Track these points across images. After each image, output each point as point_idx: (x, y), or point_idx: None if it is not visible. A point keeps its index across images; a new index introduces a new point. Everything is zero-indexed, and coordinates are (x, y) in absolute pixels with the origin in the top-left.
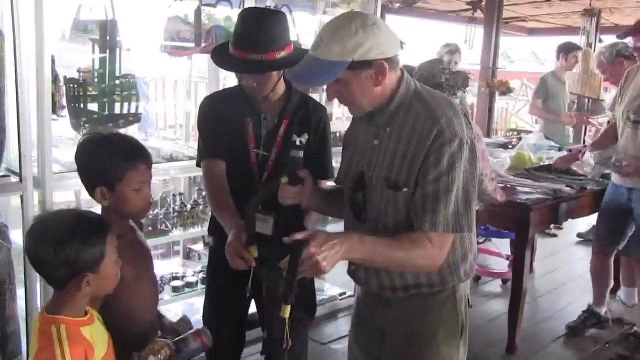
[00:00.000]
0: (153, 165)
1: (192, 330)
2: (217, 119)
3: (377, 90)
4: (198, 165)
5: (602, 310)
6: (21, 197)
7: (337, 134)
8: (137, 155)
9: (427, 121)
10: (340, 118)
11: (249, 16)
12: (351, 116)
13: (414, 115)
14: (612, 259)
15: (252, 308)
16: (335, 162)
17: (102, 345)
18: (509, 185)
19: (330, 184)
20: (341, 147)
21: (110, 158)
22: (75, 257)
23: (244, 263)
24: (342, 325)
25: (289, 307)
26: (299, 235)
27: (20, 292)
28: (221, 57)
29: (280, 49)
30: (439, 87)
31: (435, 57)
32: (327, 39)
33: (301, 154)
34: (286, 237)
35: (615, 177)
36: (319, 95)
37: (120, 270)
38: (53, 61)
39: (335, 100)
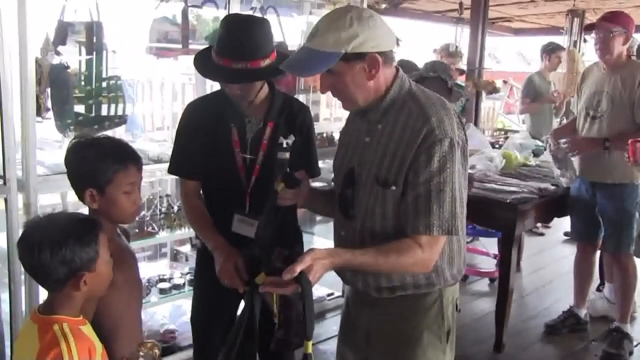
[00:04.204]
0: None
1: None
2: (198, 129)
3: (371, 85)
4: (170, 172)
5: (582, 313)
6: (5, 200)
7: (324, 135)
8: (127, 157)
9: (418, 120)
10: (328, 119)
11: (233, 24)
12: (339, 117)
13: (406, 113)
14: (594, 256)
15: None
16: (322, 163)
17: (99, 344)
18: (496, 185)
19: (317, 183)
20: (328, 148)
21: (101, 160)
22: (72, 257)
23: (241, 285)
24: (330, 326)
25: (310, 343)
26: (298, 267)
27: (4, 296)
28: (205, 65)
29: (264, 57)
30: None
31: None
32: (322, 29)
33: (287, 155)
34: (278, 247)
35: (577, 172)
36: (305, 97)
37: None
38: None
39: (324, 101)
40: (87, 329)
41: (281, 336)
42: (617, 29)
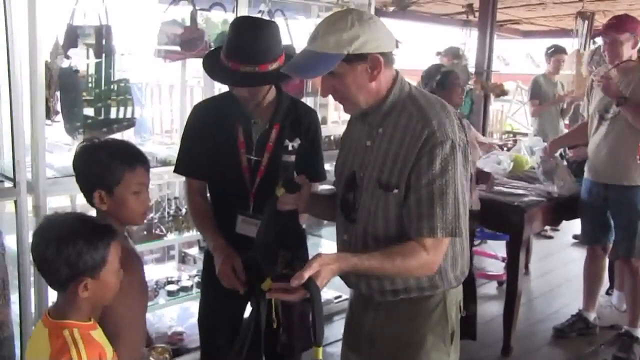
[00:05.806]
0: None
1: None
2: (204, 129)
3: (373, 86)
4: (176, 172)
5: (591, 317)
6: (15, 202)
7: (332, 138)
8: (135, 158)
9: (418, 122)
10: (336, 122)
11: (242, 27)
12: (347, 119)
13: (406, 116)
14: (604, 259)
15: (248, 312)
16: (330, 166)
17: (109, 348)
18: (504, 188)
19: (325, 186)
20: (336, 151)
21: (109, 161)
22: (76, 258)
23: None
24: (337, 329)
25: (320, 349)
26: (306, 274)
27: (14, 298)
28: (213, 68)
29: (273, 60)
30: (440, 84)
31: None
32: (323, 32)
33: (293, 158)
34: (281, 251)
35: (588, 174)
36: (313, 99)
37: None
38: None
39: (332, 104)
40: (98, 334)
41: (284, 340)
42: (625, 35)
